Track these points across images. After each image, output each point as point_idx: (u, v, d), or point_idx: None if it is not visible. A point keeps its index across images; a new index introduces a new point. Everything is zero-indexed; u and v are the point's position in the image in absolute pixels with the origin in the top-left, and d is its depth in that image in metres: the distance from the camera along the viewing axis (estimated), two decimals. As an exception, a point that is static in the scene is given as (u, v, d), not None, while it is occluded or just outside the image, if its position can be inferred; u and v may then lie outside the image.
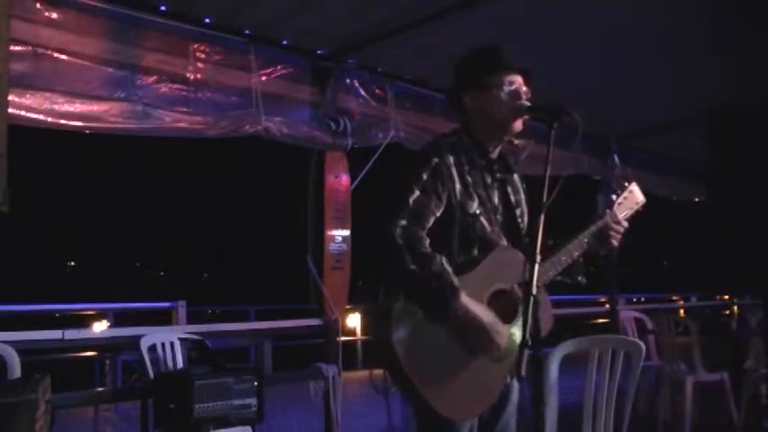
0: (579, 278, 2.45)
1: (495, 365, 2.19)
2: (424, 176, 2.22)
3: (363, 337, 10.37)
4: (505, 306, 2.23)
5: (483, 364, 2.17)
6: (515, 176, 2.50)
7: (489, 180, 2.38)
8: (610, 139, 6.96)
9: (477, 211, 2.30)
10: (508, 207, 2.42)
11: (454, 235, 2.25)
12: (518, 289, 2.23)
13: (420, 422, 2.25)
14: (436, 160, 2.26)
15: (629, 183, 2.54)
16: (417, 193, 2.19)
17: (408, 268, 2.09)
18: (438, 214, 2.22)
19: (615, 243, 2.42)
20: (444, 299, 2.09)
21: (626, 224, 2.46)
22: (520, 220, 2.44)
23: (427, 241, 2.16)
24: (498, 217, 2.37)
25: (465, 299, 2.11)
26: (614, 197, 2.48)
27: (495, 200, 2.38)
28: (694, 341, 5.40)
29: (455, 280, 2.11)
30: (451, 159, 2.28)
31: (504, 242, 2.35)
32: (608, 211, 2.45)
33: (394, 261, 2.11)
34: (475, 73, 2.37)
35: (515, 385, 2.38)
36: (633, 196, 2.52)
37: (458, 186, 2.27)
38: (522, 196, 2.49)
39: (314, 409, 4.72)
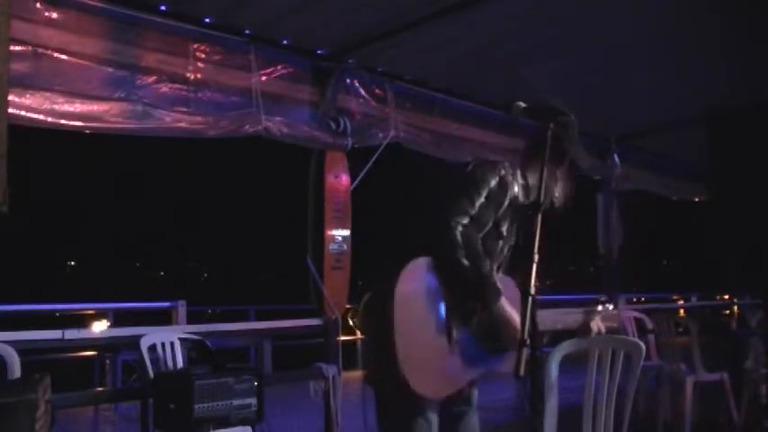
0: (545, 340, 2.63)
1: (465, 364, 2.33)
2: (492, 184, 2.41)
3: (363, 337, 10.36)
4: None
5: (456, 357, 2.31)
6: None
7: (512, 216, 2.54)
8: (609, 138, 6.96)
9: (504, 233, 2.49)
10: (516, 246, 2.59)
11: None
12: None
13: (384, 403, 2.37)
14: (503, 173, 2.45)
15: (615, 308, 2.75)
16: (483, 199, 2.38)
17: (462, 262, 2.26)
18: (491, 223, 2.42)
19: (591, 335, 2.64)
20: (488, 297, 2.28)
21: (604, 330, 2.65)
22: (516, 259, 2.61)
23: (480, 243, 2.35)
24: (506, 249, 2.56)
25: (504, 301, 2.31)
26: (599, 308, 2.68)
27: (513, 235, 2.56)
28: (694, 341, 5.40)
29: (499, 284, 2.31)
30: (510, 179, 2.47)
31: (501, 272, 2.54)
32: (597, 309, 2.65)
33: (449, 253, 2.27)
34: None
35: (475, 392, 2.58)
36: (615, 317, 2.73)
37: (506, 202, 2.46)
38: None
39: (314, 409, 4.72)
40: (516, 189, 2.50)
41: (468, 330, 2.32)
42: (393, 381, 2.22)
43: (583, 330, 2.60)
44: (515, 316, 2.28)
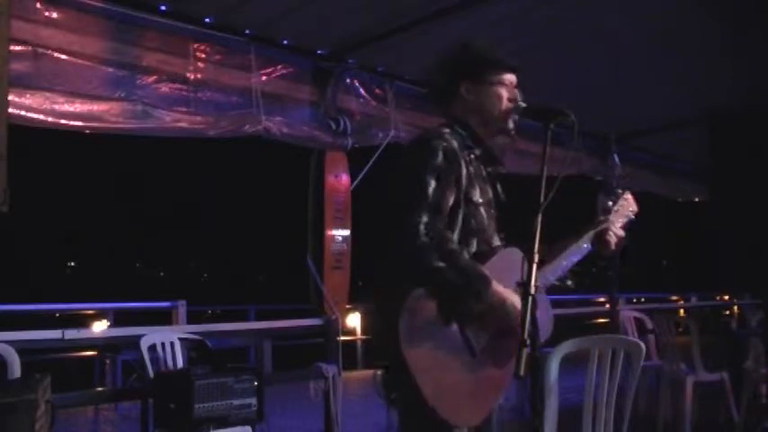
0: (569, 282, 2.45)
1: (497, 368, 2.18)
2: (437, 162, 2.15)
3: (363, 337, 10.36)
4: None
5: (486, 368, 2.15)
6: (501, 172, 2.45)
7: (484, 173, 2.35)
8: (610, 138, 6.95)
9: (480, 200, 2.26)
10: (498, 200, 2.38)
11: (457, 224, 2.21)
12: (520, 290, 2.21)
13: (413, 426, 2.18)
14: (444, 144, 2.20)
15: (624, 191, 2.54)
16: (433, 182, 2.12)
17: (436, 266, 2.03)
18: (453, 200, 2.17)
19: (613, 248, 2.40)
20: (477, 290, 2.05)
21: (622, 232, 2.45)
22: (507, 216, 2.41)
23: (451, 235, 2.13)
24: (492, 211, 2.34)
25: (496, 284, 2.08)
26: (610, 203, 2.48)
27: (490, 193, 2.35)
28: (694, 341, 5.40)
29: (484, 270, 2.08)
30: (455, 144, 2.24)
31: (497, 237, 2.33)
32: (606, 216, 2.45)
33: (420, 259, 2.05)
34: (476, 65, 2.35)
35: None
36: (628, 204, 2.52)
37: (464, 171, 2.22)
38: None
39: (314, 409, 4.73)
40: (469, 151, 2.27)
41: (475, 329, 2.12)
42: (430, 421, 2.05)
43: (604, 248, 2.38)
44: (516, 298, 2.11)
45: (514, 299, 2.13)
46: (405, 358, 2.01)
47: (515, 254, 2.27)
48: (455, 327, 2.11)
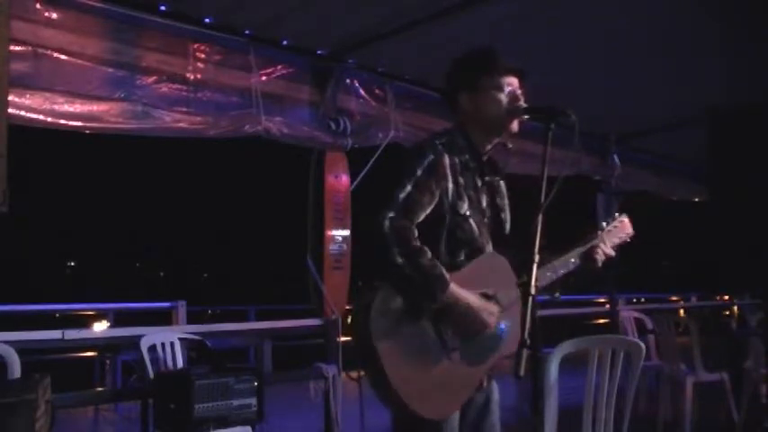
0: (557, 294, 2.48)
1: (469, 366, 2.19)
2: (418, 172, 2.22)
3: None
4: None
5: (457, 364, 2.17)
6: (501, 181, 2.50)
7: (479, 183, 2.38)
8: (609, 138, 6.95)
9: (468, 213, 2.29)
10: (494, 211, 2.42)
11: (442, 235, 2.25)
12: (502, 295, 2.25)
13: (395, 421, 2.24)
14: (432, 157, 2.25)
15: (621, 214, 2.60)
16: (408, 187, 2.19)
17: (396, 262, 2.09)
18: (429, 210, 2.22)
19: (600, 266, 2.45)
20: (432, 290, 2.09)
21: (612, 252, 2.49)
22: (504, 225, 2.46)
23: (416, 233, 2.16)
24: (486, 220, 2.37)
25: (454, 287, 2.12)
26: (604, 224, 2.53)
27: (483, 203, 2.38)
28: (694, 341, 5.41)
29: (445, 272, 2.12)
30: (446, 158, 2.28)
31: (490, 247, 2.35)
32: (598, 235, 2.49)
33: (382, 254, 2.11)
34: (471, 74, 2.38)
35: (495, 387, 2.39)
36: (623, 226, 2.58)
37: (450, 186, 2.27)
38: (506, 201, 2.50)
39: (314, 409, 4.73)
40: (460, 163, 2.31)
41: (445, 325, 2.15)
42: (404, 414, 2.09)
43: (592, 265, 2.42)
44: (471, 298, 2.16)
45: (472, 298, 2.16)
46: (376, 350, 2.04)
47: (498, 259, 2.33)
48: (428, 322, 2.13)
